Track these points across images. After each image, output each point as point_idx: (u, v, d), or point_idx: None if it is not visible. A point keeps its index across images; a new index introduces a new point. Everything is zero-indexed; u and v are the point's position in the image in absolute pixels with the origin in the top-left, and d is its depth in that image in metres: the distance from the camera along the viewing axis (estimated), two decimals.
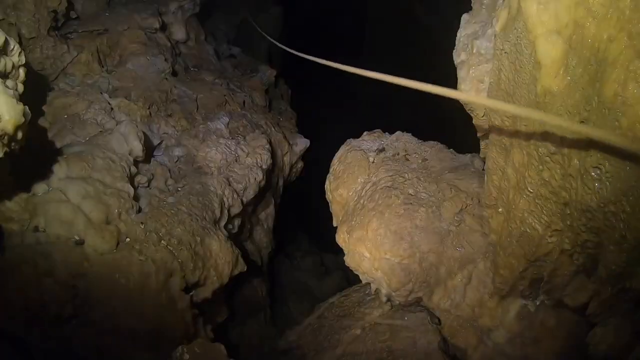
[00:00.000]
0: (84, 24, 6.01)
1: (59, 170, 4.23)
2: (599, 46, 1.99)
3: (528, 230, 2.79)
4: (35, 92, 4.93)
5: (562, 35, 2.19)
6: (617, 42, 1.89)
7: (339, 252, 4.65)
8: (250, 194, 5.41)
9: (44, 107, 5.05)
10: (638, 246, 2.07)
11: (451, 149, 4.95)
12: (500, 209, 3.18)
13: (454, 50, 3.67)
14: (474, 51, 3.36)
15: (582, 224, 2.33)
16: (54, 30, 5.53)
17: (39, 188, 4.14)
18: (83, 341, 3.75)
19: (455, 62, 3.60)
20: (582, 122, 2.11)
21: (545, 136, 2.41)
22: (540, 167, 2.51)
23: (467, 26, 3.68)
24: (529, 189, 2.66)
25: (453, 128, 6.65)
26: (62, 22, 5.81)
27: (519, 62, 2.59)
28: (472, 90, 3.31)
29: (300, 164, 7.27)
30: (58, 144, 4.65)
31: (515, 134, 2.75)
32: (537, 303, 3.80)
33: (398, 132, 5.32)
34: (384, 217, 4.18)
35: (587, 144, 2.12)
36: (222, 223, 4.89)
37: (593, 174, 2.11)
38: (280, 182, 6.77)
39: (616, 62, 1.88)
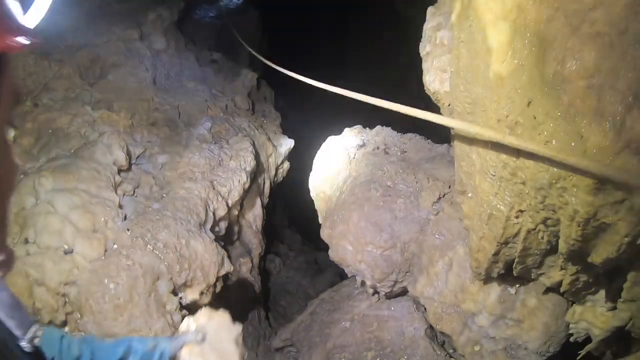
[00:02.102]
0: (63, 38, 6.08)
1: (46, 183, 4.32)
2: (539, 28, 2.07)
3: (494, 212, 2.86)
4: (19, 108, 5.02)
5: (508, 20, 2.28)
6: (555, 22, 1.97)
7: None
8: (235, 196, 5.48)
9: (28, 123, 5.12)
10: (590, 219, 2.15)
11: (429, 140, 5.04)
12: (470, 194, 3.26)
13: (420, 43, 3.75)
14: (438, 42, 3.44)
15: (539, 202, 2.41)
16: None
17: (28, 201, 4.24)
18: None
19: (421, 54, 3.69)
20: (530, 102, 2.19)
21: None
22: (499, 149, 2.60)
23: (432, 19, 3.76)
24: (492, 171, 2.74)
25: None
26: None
27: (473, 49, 2.67)
28: (435, 80, 3.39)
29: (286, 165, 7.33)
30: (44, 158, 4.73)
31: (476, 119, 2.83)
32: (517, 285, 3.87)
33: (378, 127, 5.40)
34: (363, 210, 4.26)
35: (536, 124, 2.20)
36: (208, 226, 4.97)
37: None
38: (267, 184, 6.83)
39: (555, 41, 1.97)
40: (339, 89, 2.53)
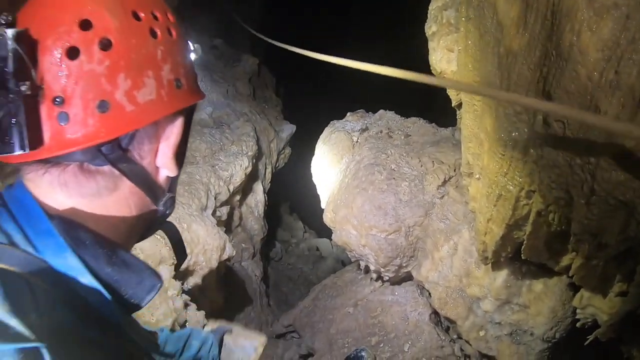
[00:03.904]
0: None
1: None
2: (553, 0, 2.01)
3: (503, 193, 2.80)
4: None
5: None
6: None
7: None
8: (236, 181, 5.43)
9: None
10: (607, 198, 2.09)
11: (433, 124, 4.98)
12: (477, 176, 3.20)
13: (426, 23, 3.69)
14: (444, 21, 3.38)
15: (552, 181, 2.35)
16: None
17: None
18: None
19: (427, 35, 3.62)
20: (544, 77, 2.13)
21: None
22: (510, 128, 2.53)
23: None
24: (501, 151, 2.68)
25: (440, 106, 6.66)
26: None
27: (483, 26, 2.61)
28: (442, 59, 3.33)
29: (287, 150, 7.28)
30: None
31: (484, 98, 2.77)
32: (523, 270, 3.82)
33: (381, 111, 5.35)
34: (367, 194, 4.20)
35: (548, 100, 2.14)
36: (210, 210, 4.92)
37: (556, 127, 2.13)
38: (269, 169, 6.78)
39: (570, 13, 1.90)
40: (345, 60, 2.48)
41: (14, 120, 0.88)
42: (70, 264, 0.94)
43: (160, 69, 1.00)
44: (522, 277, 3.84)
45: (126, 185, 1.02)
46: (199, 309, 4.45)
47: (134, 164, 1.01)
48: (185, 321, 4.15)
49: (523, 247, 3.07)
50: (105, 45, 0.93)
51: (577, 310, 3.51)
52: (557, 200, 2.46)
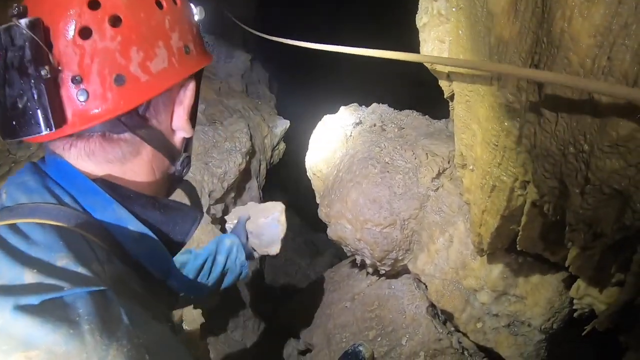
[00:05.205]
0: None
1: None
2: None
3: (497, 184, 2.78)
4: None
5: None
6: None
7: None
8: (230, 178, 5.39)
9: None
10: (601, 186, 2.06)
11: (427, 116, 4.95)
12: (470, 167, 3.18)
13: (417, 15, 3.66)
14: (435, 12, 3.34)
15: (545, 171, 2.33)
16: None
17: None
18: None
19: (418, 26, 3.59)
20: (535, 65, 2.10)
21: (504, 85, 2.40)
22: (502, 117, 2.51)
23: None
24: (494, 141, 2.65)
25: (435, 100, 6.64)
26: None
27: (473, 16, 2.58)
28: (434, 51, 3.30)
29: (282, 146, 7.23)
30: (36, 146, 4.63)
31: (476, 88, 2.74)
32: (520, 261, 3.81)
33: (374, 104, 5.32)
34: (361, 187, 4.18)
35: (540, 87, 2.12)
36: (204, 208, 4.88)
37: (548, 116, 2.11)
38: (263, 165, 6.73)
39: None
40: (339, 47, 2.49)
41: (37, 104, 0.95)
42: (118, 216, 1.05)
43: (169, 38, 1.09)
44: (519, 268, 3.82)
45: (147, 149, 1.14)
46: (195, 307, 4.42)
47: (152, 129, 1.13)
48: (182, 319, 4.12)
49: (518, 238, 3.05)
50: (116, 21, 1.00)
51: (574, 301, 3.49)
52: (552, 190, 2.43)
